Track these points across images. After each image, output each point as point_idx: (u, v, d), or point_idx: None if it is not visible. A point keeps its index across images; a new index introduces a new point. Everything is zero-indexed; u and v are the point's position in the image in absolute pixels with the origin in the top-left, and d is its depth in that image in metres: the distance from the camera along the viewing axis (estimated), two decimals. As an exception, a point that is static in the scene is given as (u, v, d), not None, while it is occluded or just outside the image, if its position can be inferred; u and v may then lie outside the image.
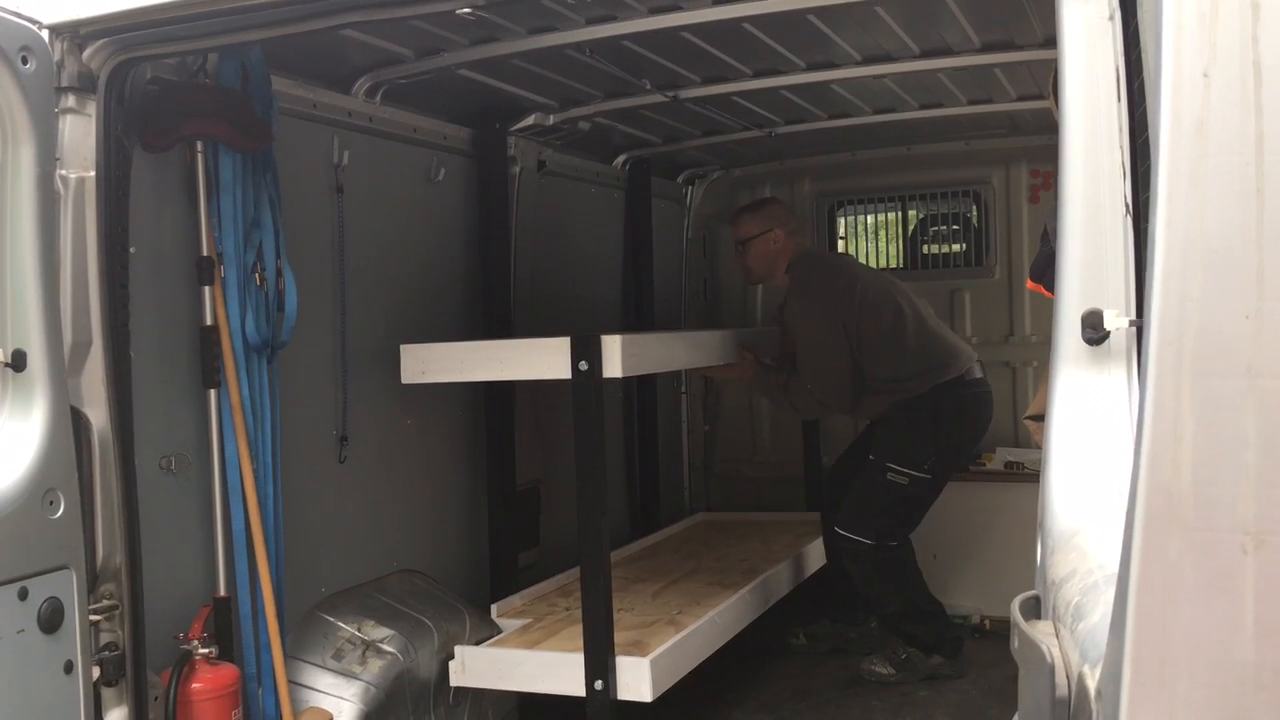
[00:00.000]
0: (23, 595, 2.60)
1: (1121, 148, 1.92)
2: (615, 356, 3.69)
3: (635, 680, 3.67)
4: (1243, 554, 1.13)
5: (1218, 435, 1.14)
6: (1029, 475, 5.52)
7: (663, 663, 3.79)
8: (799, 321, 4.97)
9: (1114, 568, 1.32)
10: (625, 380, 6.15)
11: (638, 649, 3.85)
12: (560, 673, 3.76)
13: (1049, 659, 1.52)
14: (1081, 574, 1.61)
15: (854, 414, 5.34)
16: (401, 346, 4.02)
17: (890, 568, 4.88)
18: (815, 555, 5.51)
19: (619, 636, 3.84)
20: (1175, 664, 1.16)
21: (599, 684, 3.63)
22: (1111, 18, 1.95)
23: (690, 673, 4.04)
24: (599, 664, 3.65)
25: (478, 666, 3.89)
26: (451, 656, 3.92)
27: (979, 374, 5.04)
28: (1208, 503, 1.15)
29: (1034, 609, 1.81)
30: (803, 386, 4.94)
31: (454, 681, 3.90)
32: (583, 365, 3.69)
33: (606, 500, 3.86)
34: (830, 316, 4.85)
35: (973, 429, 5.03)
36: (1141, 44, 1.82)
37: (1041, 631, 1.65)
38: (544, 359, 3.83)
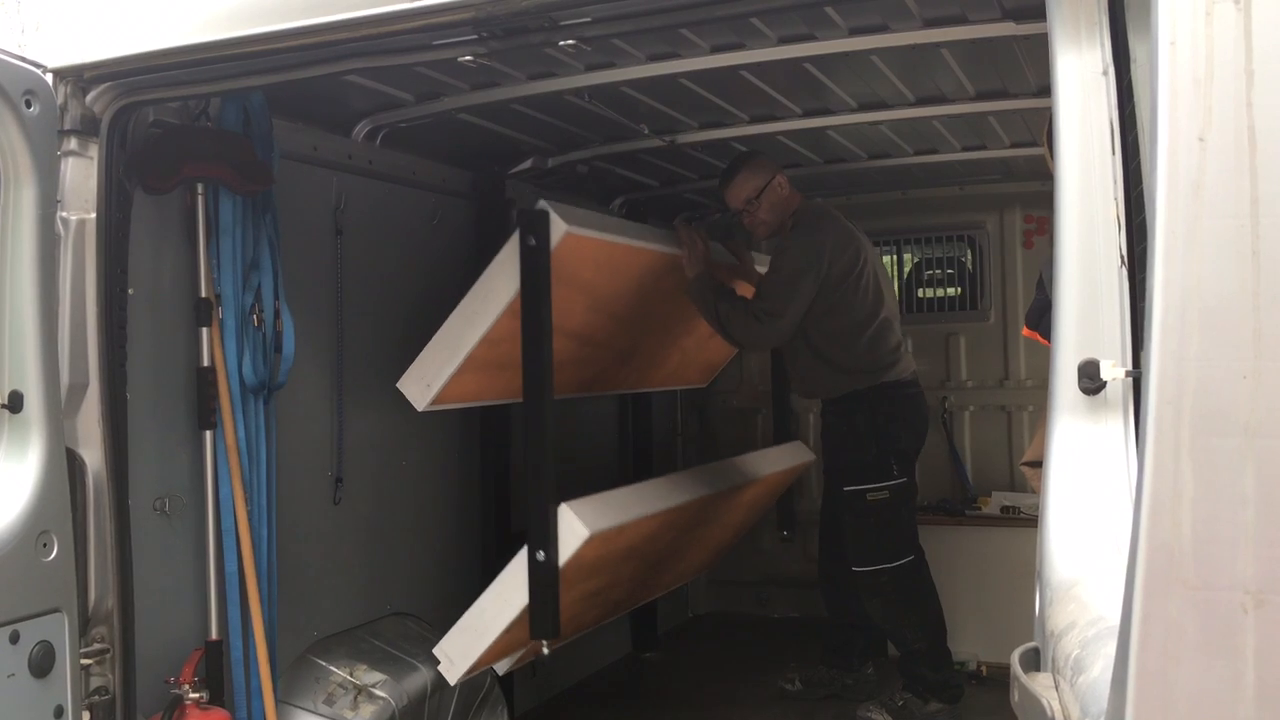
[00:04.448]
0: (14, 639, 2.58)
1: (1116, 200, 1.94)
2: None
3: (571, 535, 3.72)
4: (1243, 613, 1.13)
5: (1217, 494, 1.15)
6: (1026, 520, 5.51)
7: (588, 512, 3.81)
8: (787, 252, 4.63)
9: (1113, 620, 1.32)
10: (620, 415, 6.21)
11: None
12: (511, 590, 3.79)
13: (1049, 713, 1.52)
14: (1081, 626, 1.61)
15: (796, 385, 5.20)
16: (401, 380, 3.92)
17: (916, 589, 4.82)
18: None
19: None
20: (1177, 723, 1.16)
21: (540, 555, 3.71)
22: (1105, 72, 1.97)
23: None
24: (540, 538, 3.72)
25: (459, 648, 3.84)
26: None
27: (914, 375, 4.96)
28: (1208, 562, 1.15)
29: (1034, 661, 1.80)
30: (744, 306, 4.55)
31: (453, 679, 3.84)
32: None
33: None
34: (818, 265, 4.57)
35: (913, 430, 4.92)
36: (1135, 100, 1.85)
37: (1042, 684, 1.65)
38: None
